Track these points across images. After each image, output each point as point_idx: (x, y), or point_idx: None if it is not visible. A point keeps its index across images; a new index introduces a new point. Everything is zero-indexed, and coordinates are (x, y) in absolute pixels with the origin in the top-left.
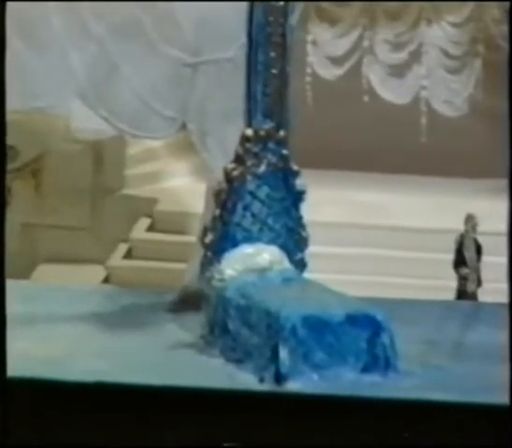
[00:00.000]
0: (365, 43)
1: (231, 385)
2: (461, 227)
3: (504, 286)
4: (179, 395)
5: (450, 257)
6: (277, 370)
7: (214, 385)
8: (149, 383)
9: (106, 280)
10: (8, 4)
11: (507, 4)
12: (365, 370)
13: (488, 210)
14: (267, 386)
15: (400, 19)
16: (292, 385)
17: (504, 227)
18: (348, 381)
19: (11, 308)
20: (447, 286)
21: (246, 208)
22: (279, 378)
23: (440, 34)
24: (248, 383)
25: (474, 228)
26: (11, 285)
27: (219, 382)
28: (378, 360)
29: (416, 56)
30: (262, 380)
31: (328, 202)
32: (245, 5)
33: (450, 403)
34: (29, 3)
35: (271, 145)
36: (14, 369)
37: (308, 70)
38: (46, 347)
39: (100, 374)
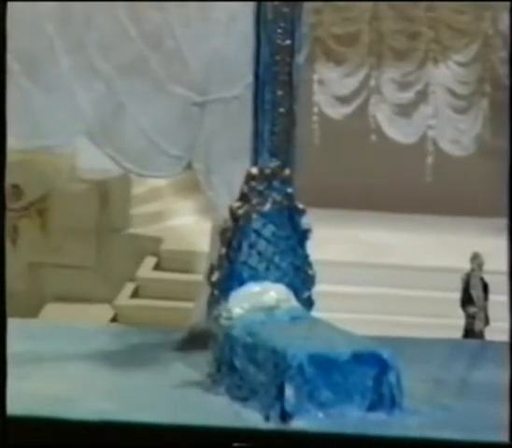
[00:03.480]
0: (372, 82)
1: (236, 423)
2: (467, 266)
3: None
4: (185, 433)
5: (457, 295)
6: (283, 408)
7: (220, 424)
8: (156, 421)
9: (113, 319)
10: (15, 38)
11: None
12: (371, 408)
13: (494, 249)
14: (273, 424)
15: (407, 58)
16: (298, 424)
17: None
18: (353, 419)
19: (19, 346)
20: (454, 324)
21: (252, 247)
22: (285, 416)
23: (447, 73)
24: (254, 421)
25: (480, 266)
26: (19, 323)
27: (224, 420)
28: (384, 399)
29: (423, 96)
30: (267, 418)
31: (334, 240)
32: (252, 44)
33: (455, 442)
34: (36, 41)
35: (276, 183)
36: (21, 407)
37: (315, 109)
38: (53, 386)
39: (107, 413)
